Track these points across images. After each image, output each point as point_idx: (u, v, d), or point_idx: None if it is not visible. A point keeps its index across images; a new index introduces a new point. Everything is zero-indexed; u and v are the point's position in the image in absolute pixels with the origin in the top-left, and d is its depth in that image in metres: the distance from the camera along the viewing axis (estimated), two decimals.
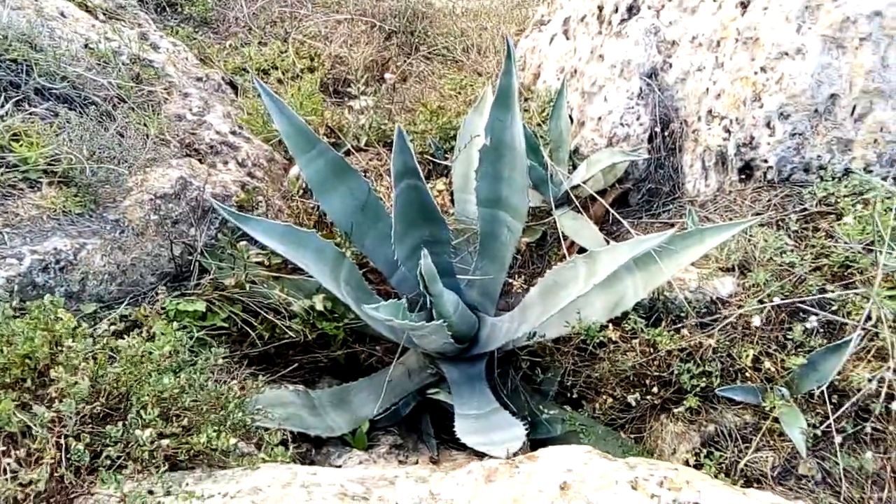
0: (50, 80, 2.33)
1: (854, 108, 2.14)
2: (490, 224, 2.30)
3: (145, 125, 2.46)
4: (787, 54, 2.17)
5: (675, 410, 2.02)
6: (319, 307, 2.30)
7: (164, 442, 1.40)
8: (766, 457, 1.92)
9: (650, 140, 2.58)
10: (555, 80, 3.05)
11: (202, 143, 2.71)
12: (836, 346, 1.85)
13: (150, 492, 1.35)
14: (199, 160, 2.62)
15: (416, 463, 2.27)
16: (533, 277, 2.56)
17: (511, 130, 2.04)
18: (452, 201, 2.75)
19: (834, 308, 1.98)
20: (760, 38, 2.24)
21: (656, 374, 2.06)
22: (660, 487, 1.21)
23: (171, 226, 2.26)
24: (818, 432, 1.83)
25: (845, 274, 2.05)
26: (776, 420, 1.91)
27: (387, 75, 3.47)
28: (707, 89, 2.43)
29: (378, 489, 1.46)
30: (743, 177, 2.37)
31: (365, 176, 2.74)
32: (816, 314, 1.90)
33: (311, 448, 2.16)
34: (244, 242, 2.33)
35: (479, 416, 2.13)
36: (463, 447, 2.08)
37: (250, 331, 2.23)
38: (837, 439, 1.74)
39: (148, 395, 1.48)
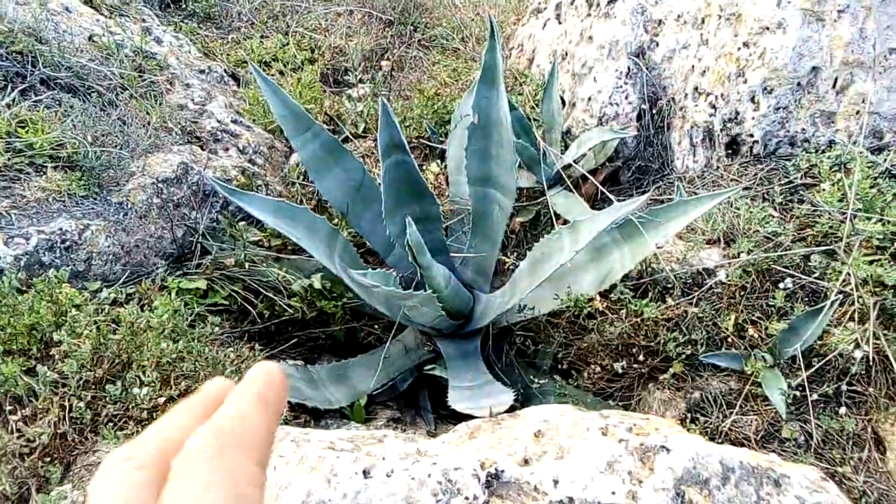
0: (54, 70, 2.42)
1: (836, 80, 2.18)
2: (481, 202, 2.36)
3: (147, 113, 2.54)
4: (768, 29, 2.21)
5: (662, 378, 2.07)
6: (318, 286, 2.37)
7: (162, 400, 1.47)
8: (750, 420, 1.97)
9: (639, 118, 2.63)
10: (548, 64, 3.10)
11: (203, 131, 2.79)
12: (815, 310, 1.90)
13: None
14: (201, 147, 2.70)
15: (415, 434, 2.33)
16: (526, 255, 2.62)
17: (497, 106, 2.10)
18: (448, 183, 2.81)
19: (816, 275, 2.02)
20: (742, 14, 2.29)
21: (643, 343, 2.12)
22: (628, 433, 1.27)
23: (173, 209, 2.34)
24: (798, 394, 1.88)
25: (829, 243, 2.09)
26: (759, 385, 1.96)
27: (383, 63, 3.54)
28: (693, 66, 2.48)
29: (367, 446, 1.53)
30: (730, 152, 2.41)
31: (363, 161, 2.81)
32: (794, 276, 1.95)
33: (309, 419, 2.23)
34: (243, 223, 2.41)
35: (471, 387, 2.18)
36: (460, 421, 2.15)
37: (250, 308, 2.31)
38: (813, 397, 1.78)
39: (147, 359, 1.55)
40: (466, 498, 1.17)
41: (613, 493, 1.17)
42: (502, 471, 1.20)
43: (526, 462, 1.23)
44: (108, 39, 2.76)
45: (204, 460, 0.32)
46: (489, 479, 1.19)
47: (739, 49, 2.30)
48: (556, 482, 1.18)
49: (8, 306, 1.61)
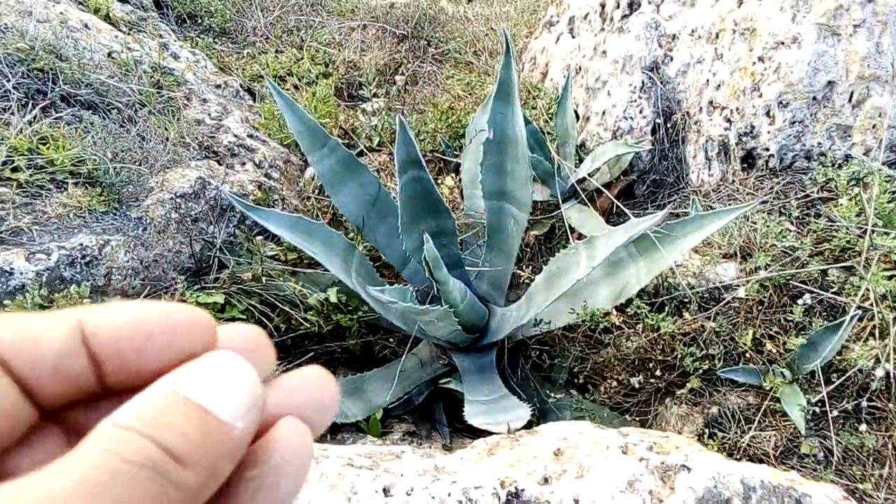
0: (75, 87, 2.46)
1: (851, 94, 2.18)
2: (496, 216, 2.37)
3: (165, 129, 2.58)
4: (783, 44, 2.21)
5: (679, 393, 2.07)
6: (334, 299, 2.38)
7: None
8: (769, 436, 1.96)
9: (653, 132, 2.63)
10: (561, 77, 3.11)
11: (220, 146, 2.82)
12: (834, 325, 1.89)
13: None
14: (218, 162, 2.73)
15: (431, 448, 2.33)
16: (541, 269, 2.63)
17: (512, 123, 2.11)
18: (462, 197, 2.82)
19: (834, 290, 2.01)
20: (757, 29, 2.29)
21: (660, 358, 2.11)
22: (649, 451, 1.27)
23: (191, 223, 2.37)
24: (818, 410, 1.87)
25: (847, 257, 2.08)
26: (777, 400, 1.95)
27: (397, 77, 3.57)
28: (707, 81, 2.48)
29: (385, 462, 1.53)
30: (745, 166, 2.41)
31: (378, 175, 2.83)
32: (813, 293, 1.94)
33: (326, 434, 2.23)
34: (260, 238, 2.43)
35: (488, 402, 2.19)
36: (475, 434, 2.15)
37: (267, 322, 2.32)
38: (833, 414, 1.77)
39: None
40: None
41: None
42: (522, 490, 1.20)
43: (546, 481, 1.23)
44: (127, 56, 2.80)
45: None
46: (509, 498, 1.19)
47: (754, 63, 2.31)
48: (576, 501, 1.18)
49: None
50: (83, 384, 0.28)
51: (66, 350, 0.28)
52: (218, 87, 3.33)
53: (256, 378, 0.28)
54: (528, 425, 1.89)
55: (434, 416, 2.53)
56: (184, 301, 2.15)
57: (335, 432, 2.23)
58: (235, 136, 2.92)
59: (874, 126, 2.18)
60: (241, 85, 3.53)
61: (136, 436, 0.24)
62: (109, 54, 2.80)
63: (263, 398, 0.28)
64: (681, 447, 1.30)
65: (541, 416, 2.29)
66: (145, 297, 2.14)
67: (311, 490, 1.29)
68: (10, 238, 1.96)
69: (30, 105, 2.30)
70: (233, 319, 2.22)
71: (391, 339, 2.66)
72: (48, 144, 2.18)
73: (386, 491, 1.25)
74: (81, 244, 2.05)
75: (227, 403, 0.26)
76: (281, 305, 2.35)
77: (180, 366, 0.28)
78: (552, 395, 2.25)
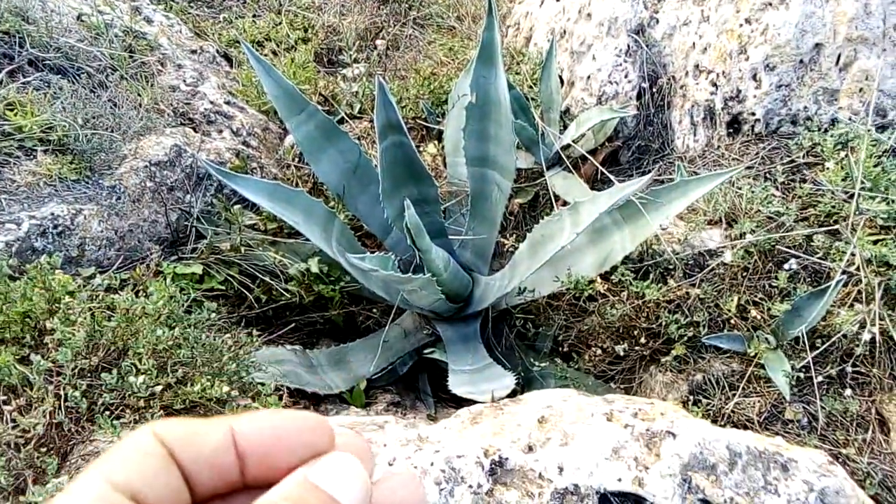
0: (43, 51, 2.36)
1: (839, 56, 2.15)
2: (479, 183, 2.33)
3: (138, 95, 2.49)
4: (770, 4, 2.17)
5: (664, 360, 2.06)
6: (315, 269, 2.34)
7: (159, 389, 1.45)
8: (753, 402, 1.96)
9: (639, 97, 2.59)
10: (545, 42, 3.05)
11: (196, 113, 2.74)
12: (819, 291, 1.88)
13: None
14: (194, 129, 2.65)
15: (415, 419, 2.32)
16: (525, 237, 2.60)
17: (495, 86, 2.06)
18: (445, 164, 2.77)
19: (819, 255, 2.00)
20: None
21: (644, 325, 2.10)
22: (634, 418, 1.25)
23: (167, 192, 2.30)
24: (802, 376, 1.87)
25: (832, 222, 2.07)
26: (762, 366, 1.95)
27: (378, 42, 3.48)
28: (693, 44, 2.44)
29: (367, 433, 1.51)
30: (731, 131, 2.38)
31: (359, 142, 2.77)
32: (798, 258, 1.93)
33: (309, 405, 2.21)
34: (238, 207, 2.37)
35: (472, 371, 2.17)
36: (460, 404, 2.13)
37: (247, 293, 2.28)
38: (818, 379, 1.77)
39: (143, 347, 1.53)
40: (470, 486, 1.15)
41: (619, 479, 1.16)
42: (506, 458, 1.18)
43: (530, 449, 1.21)
44: (97, 19, 2.69)
45: None
46: (493, 466, 1.17)
47: (741, 25, 2.26)
48: (560, 469, 1.16)
49: (0, 294, 1.58)
50: (229, 478, 0.34)
51: (221, 448, 0.34)
52: (193, 52, 3.23)
53: (367, 477, 0.35)
54: (513, 394, 1.88)
55: (418, 386, 2.51)
56: (160, 272, 2.10)
57: (318, 404, 2.21)
58: (212, 102, 2.84)
59: (861, 89, 2.16)
60: (217, 50, 3.43)
61: None
62: (79, 17, 2.70)
63: (370, 493, 0.35)
64: (666, 414, 1.29)
65: (525, 384, 2.27)
66: (120, 268, 2.09)
67: None
68: None
69: None
70: (211, 290, 2.18)
71: (374, 310, 2.63)
72: (16, 110, 2.10)
73: None
74: (53, 213, 1.99)
75: (348, 494, 0.33)
76: (261, 276, 2.31)
77: (308, 463, 0.34)
78: (536, 363, 2.24)
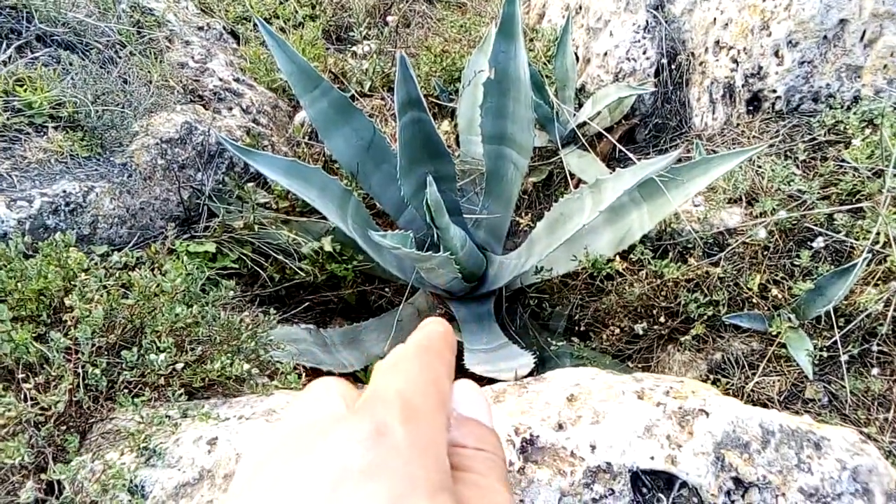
0: (51, 25, 2.32)
1: (864, 33, 2.10)
2: (495, 161, 2.30)
3: (148, 71, 2.45)
4: None
5: (683, 339, 2.04)
6: (328, 248, 2.32)
7: (179, 366, 1.43)
8: (773, 381, 1.94)
9: (657, 74, 2.54)
10: (560, 18, 3.00)
11: (206, 90, 2.70)
12: (842, 269, 1.85)
13: (168, 416, 1.39)
14: (204, 106, 2.61)
15: None
16: (540, 217, 2.57)
17: (515, 61, 2.02)
18: (458, 143, 2.74)
19: (841, 234, 1.97)
20: None
21: (663, 304, 2.08)
22: (666, 396, 1.23)
23: (179, 170, 2.27)
24: (824, 355, 1.85)
25: (854, 201, 2.04)
26: (783, 346, 1.93)
27: (388, 18, 3.43)
28: (714, 19, 2.39)
29: None
30: (751, 108, 2.34)
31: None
32: (822, 234, 1.90)
33: None
34: (251, 185, 2.34)
35: (487, 350, 2.15)
36: (480, 383, 2.12)
37: (261, 271, 2.26)
38: (844, 357, 1.75)
39: (161, 324, 1.50)
40: None
41: (652, 457, 1.14)
42: (537, 436, 1.17)
43: (560, 427, 1.19)
44: None
45: (404, 357, 0.38)
46: (524, 444, 1.16)
47: (764, 0, 2.21)
48: (593, 447, 1.15)
49: (15, 271, 1.55)
50: None
51: None
52: (200, 28, 3.19)
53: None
54: (530, 373, 1.86)
55: None
56: (173, 250, 2.08)
57: None
58: (221, 79, 2.80)
59: (885, 66, 2.12)
60: (224, 27, 3.38)
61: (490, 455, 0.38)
62: None
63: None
64: (697, 392, 1.27)
65: (540, 364, 2.25)
66: (133, 246, 2.06)
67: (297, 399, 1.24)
68: None
69: (3, 45, 2.17)
70: (224, 269, 2.15)
71: (387, 289, 2.61)
72: (25, 86, 2.06)
73: None
74: (64, 191, 1.96)
75: (487, 415, 0.40)
76: (274, 254, 2.28)
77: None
78: (552, 342, 2.22)
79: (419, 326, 0.42)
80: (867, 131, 2.01)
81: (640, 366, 2.15)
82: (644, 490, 1.16)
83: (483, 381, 1.89)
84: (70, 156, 2.05)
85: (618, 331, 2.12)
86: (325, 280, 2.38)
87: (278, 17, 3.56)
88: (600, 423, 1.19)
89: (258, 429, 1.31)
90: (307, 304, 2.38)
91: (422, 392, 0.35)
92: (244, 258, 2.23)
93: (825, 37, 2.15)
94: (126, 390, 1.44)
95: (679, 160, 2.42)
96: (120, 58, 2.40)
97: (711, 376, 1.98)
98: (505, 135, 2.20)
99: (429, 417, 0.34)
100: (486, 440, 0.38)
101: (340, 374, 2.19)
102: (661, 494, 1.16)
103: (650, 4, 2.53)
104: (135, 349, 1.42)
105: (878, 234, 1.78)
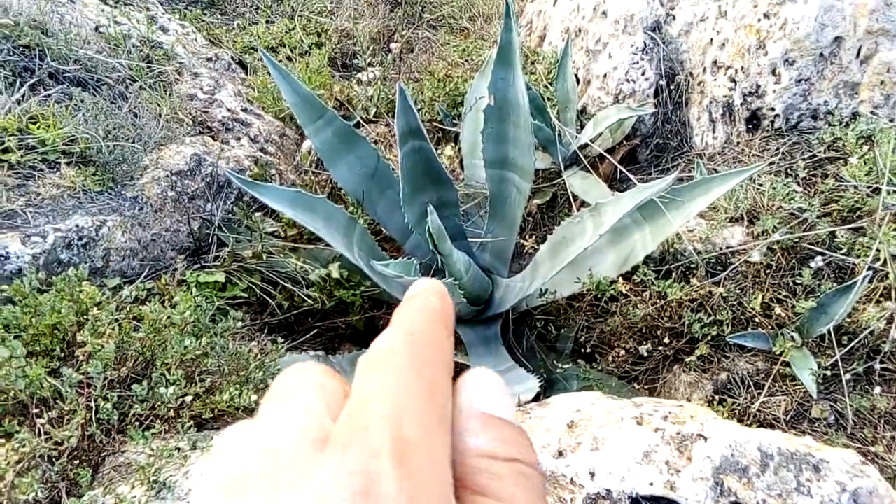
0: (62, 63, 2.39)
1: (859, 49, 2.12)
2: (498, 185, 2.33)
3: (158, 104, 2.51)
4: None
5: (688, 360, 2.05)
6: (336, 275, 2.35)
7: (188, 399, 1.46)
8: (779, 401, 1.95)
9: (656, 95, 2.57)
10: (560, 41, 3.04)
11: (214, 121, 2.76)
12: (844, 287, 1.86)
13: (178, 448, 1.42)
14: (212, 137, 2.67)
15: None
16: (545, 239, 2.59)
17: (514, 87, 2.06)
18: (462, 167, 2.77)
19: (843, 251, 1.98)
20: None
21: (668, 325, 2.09)
22: (664, 421, 1.25)
23: (188, 201, 2.32)
24: (828, 374, 1.85)
25: (855, 217, 2.05)
26: (787, 364, 1.93)
27: (392, 45, 3.49)
28: (711, 40, 2.42)
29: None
30: (750, 127, 2.36)
31: (375, 146, 2.78)
32: (823, 254, 1.91)
33: None
34: (259, 214, 2.39)
35: None
36: None
37: (269, 300, 2.29)
38: (846, 377, 1.76)
39: (171, 357, 1.54)
40: None
41: (651, 483, 1.15)
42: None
43: (560, 454, 1.21)
44: (115, 30, 2.72)
45: (391, 354, 0.31)
46: None
47: (760, 20, 2.24)
48: (592, 474, 1.16)
49: (29, 307, 1.60)
50: None
51: None
52: (209, 60, 3.26)
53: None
54: (537, 397, 1.88)
55: None
56: (184, 281, 2.12)
57: None
58: (229, 110, 2.86)
59: (882, 82, 2.13)
60: (232, 57, 3.45)
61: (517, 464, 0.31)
62: (97, 28, 2.72)
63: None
64: (696, 416, 1.28)
65: (547, 386, 2.27)
66: (145, 277, 2.11)
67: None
68: (3, 221, 1.91)
69: (17, 83, 2.23)
70: (234, 298, 2.19)
71: None
72: (38, 123, 2.12)
73: None
74: (77, 225, 2.01)
75: (508, 409, 0.34)
76: (282, 282, 2.32)
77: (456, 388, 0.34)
78: (559, 365, 2.23)
79: (410, 291, 0.36)
80: (864, 148, 2.02)
81: (646, 387, 2.16)
82: None
83: None
84: (82, 191, 2.11)
85: (623, 352, 2.13)
86: (333, 306, 2.42)
87: (285, 46, 3.63)
88: (599, 449, 1.20)
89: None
90: (316, 330, 2.41)
91: (417, 414, 0.29)
92: (253, 287, 2.27)
93: (821, 54, 2.17)
94: (137, 423, 1.47)
95: (681, 180, 2.45)
96: (130, 93, 2.46)
97: (717, 396, 1.99)
98: (507, 159, 2.24)
99: (427, 449, 0.29)
100: (517, 444, 0.32)
101: None
102: None
103: (647, 26, 2.56)
104: (145, 382, 1.46)
105: (877, 251, 1.79)
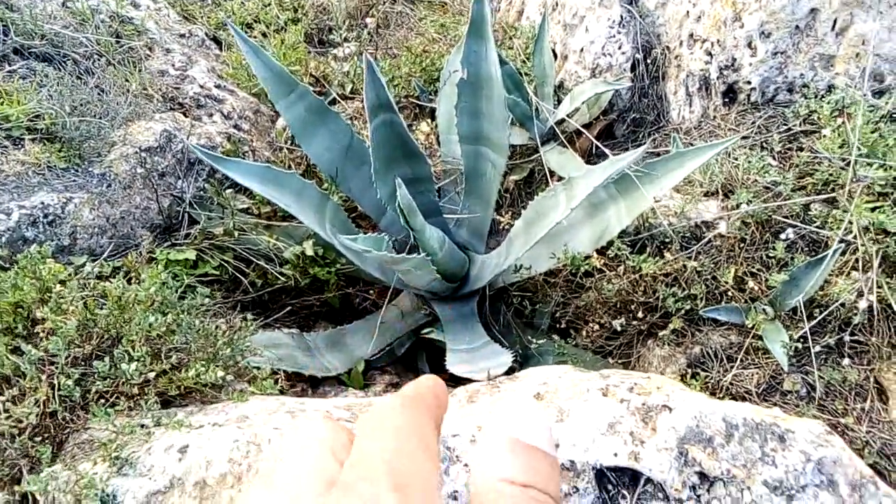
0: (28, 38, 2.33)
1: (835, 21, 2.11)
2: (474, 161, 2.31)
3: (126, 80, 2.46)
4: None
5: (661, 334, 2.05)
6: (310, 252, 2.32)
7: (152, 375, 1.44)
8: (751, 374, 1.95)
9: (633, 69, 2.55)
10: (538, 15, 3.00)
11: (186, 97, 2.71)
12: (816, 260, 1.86)
13: (142, 425, 1.40)
14: (184, 114, 2.63)
15: None
16: (521, 215, 2.58)
17: (486, 61, 2.03)
18: (439, 143, 2.74)
19: (817, 224, 1.98)
20: None
21: (642, 299, 2.08)
22: (629, 392, 1.24)
23: (158, 178, 2.28)
24: (800, 346, 1.85)
25: (829, 190, 2.05)
26: (760, 338, 1.94)
27: (368, 20, 3.44)
28: (687, 12, 2.39)
29: (364, 412, 1.50)
30: (727, 100, 2.34)
31: (352, 123, 2.74)
32: (795, 226, 1.91)
33: (307, 388, 2.21)
34: (231, 191, 2.35)
35: (470, 350, 2.16)
36: (459, 384, 2.13)
37: (242, 278, 2.27)
38: (815, 349, 1.76)
39: (136, 333, 1.52)
40: (465, 465, 1.15)
41: (615, 454, 1.15)
42: None
43: None
44: (83, 5, 2.66)
45: (390, 410, 0.37)
46: None
47: None
48: (556, 446, 1.16)
49: None
50: None
51: None
52: (182, 36, 3.20)
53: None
54: (511, 371, 1.87)
55: (417, 366, 2.50)
56: (153, 258, 2.09)
57: (316, 386, 2.20)
58: (201, 86, 2.81)
59: (857, 55, 2.12)
60: (206, 34, 3.39)
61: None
62: (64, 3, 2.66)
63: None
64: (662, 387, 1.28)
65: (524, 361, 2.27)
66: (112, 255, 2.08)
67: (284, 444, 1.25)
68: None
69: None
70: (205, 275, 2.17)
71: (371, 291, 2.62)
72: (2, 99, 2.07)
73: None
74: (43, 203, 1.97)
75: (547, 440, 0.38)
76: (256, 260, 2.29)
77: (495, 419, 0.39)
78: (534, 340, 2.23)
79: (412, 382, 0.42)
80: (838, 121, 2.01)
81: (620, 362, 2.16)
82: (609, 487, 1.17)
83: (462, 380, 1.90)
84: (48, 167, 2.06)
85: (597, 327, 2.13)
86: (308, 284, 2.39)
87: (260, 22, 3.57)
88: (564, 421, 1.20)
89: (229, 435, 1.32)
90: (290, 308, 2.40)
91: (410, 455, 0.33)
92: (225, 264, 2.24)
93: (797, 27, 2.15)
94: (101, 400, 1.45)
95: (657, 154, 2.43)
96: (97, 68, 2.41)
97: (691, 370, 1.99)
98: (481, 134, 2.21)
99: (421, 482, 0.32)
100: (539, 472, 0.35)
101: (324, 378, 2.21)
102: (625, 491, 1.17)
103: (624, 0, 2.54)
104: (107, 359, 1.43)
105: (849, 223, 1.79)
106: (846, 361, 1.75)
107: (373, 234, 1.90)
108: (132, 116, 2.33)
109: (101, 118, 2.21)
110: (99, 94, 2.28)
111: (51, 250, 1.72)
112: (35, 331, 1.53)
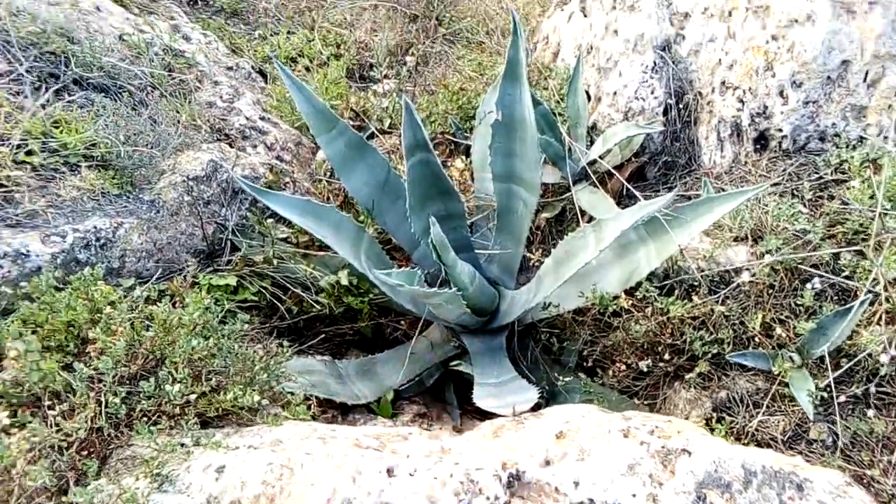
0: (87, 70, 2.47)
1: (867, 73, 2.14)
2: (506, 198, 2.37)
3: (177, 111, 2.59)
4: (797, 21, 2.18)
5: (688, 377, 2.07)
6: (345, 282, 2.40)
7: (193, 397, 1.51)
8: (777, 421, 1.96)
9: (665, 113, 2.60)
10: (573, 57, 3.08)
11: (232, 128, 2.83)
12: (844, 310, 1.87)
13: (182, 444, 1.47)
14: (230, 144, 2.74)
15: (440, 430, 2.36)
16: (551, 252, 2.63)
17: (520, 103, 2.10)
18: (473, 179, 2.81)
19: (846, 274, 1.99)
20: (770, 7, 2.25)
21: (669, 341, 2.11)
22: (650, 435, 1.28)
23: (204, 206, 2.39)
24: (826, 395, 1.86)
25: (859, 241, 2.06)
26: (786, 385, 1.94)
27: (407, 58, 3.55)
28: (720, 60, 2.45)
29: (392, 443, 1.55)
30: (758, 147, 2.38)
31: (389, 157, 2.83)
32: (823, 276, 1.92)
33: (337, 415, 2.26)
34: (271, 220, 2.45)
35: (497, 384, 2.20)
36: (486, 416, 2.17)
37: (279, 304, 2.35)
38: (842, 399, 1.77)
39: (179, 356, 1.59)
40: (488, 498, 1.19)
41: (634, 495, 1.18)
42: (523, 472, 1.22)
43: (547, 463, 1.24)
44: (138, 38, 2.81)
45: None
46: (510, 479, 1.21)
47: (768, 42, 2.27)
48: (576, 484, 1.19)
49: (46, 304, 1.66)
50: None
51: None
52: (230, 68, 3.34)
53: None
54: (538, 407, 1.91)
55: (445, 397, 2.55)
56: (196, 283, 2.18)
57: (346, 413, 2.26)
58: (247, 118, 2.93)
59: (889, 106, 2.15)
60: (252, 66, 3.54)
61: None
62: (121, 37, 2.81)
63: None
64: (682, 431, 1.31)
65: (550, 398, 2.30)
66: (158, 279, 2.17)
67: (318, 469, 1.31)
68: (25, 221, 1.98)
69: (43, 88, 2.32)
70: (244, 301, 2.25)
71: (402, 322, 2.68)
72: (61, 128, 2.20)
73: (390, 471, 1.27)
74: (95, 227, 2.08)
75: None
76: (293, 288, 2.37)
77: None
78: (561, 378, 2.26)
79: None
80: (868, 172, 2.04)
81: (646, 403, 2.18)
82: None
83: (489, 413, 1.94)
84: (101, 193, 2.18)
85: (624, 367, 2.16)
86: (341, 313, 2.47)
87: (304, 56, 3.71)
88: (585, 460, 1.23)
89: (263, 458, 1.38)
90: (324, 335, 2.46)
91: None
92: (264, 291, 2.32)
93: (829, 77, 2.19)
94: (145, 419, 1.52)
95: (688, 197, 2.47)
96: (150, 99, 2.54)
97: (716, 414, 2.00)
98: (513, 173, 2.28)
99: None
100: None
101: (354, 406, 2.26)
102: None
103: (657, 45, 2.60)
104: (152, 379, 1.51)
105: (877, 274, 1.81)
106: (871, 412, 1.75)
107: (406, 269, 1.97)
108: (181, 146, 2.45)
109: (152, 147, 2.33)
110: (151, 124, 2.40)
111: (101, 272, 1.82)
112: (85, 350, 1.62)
